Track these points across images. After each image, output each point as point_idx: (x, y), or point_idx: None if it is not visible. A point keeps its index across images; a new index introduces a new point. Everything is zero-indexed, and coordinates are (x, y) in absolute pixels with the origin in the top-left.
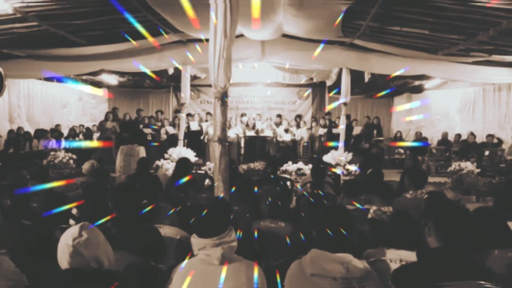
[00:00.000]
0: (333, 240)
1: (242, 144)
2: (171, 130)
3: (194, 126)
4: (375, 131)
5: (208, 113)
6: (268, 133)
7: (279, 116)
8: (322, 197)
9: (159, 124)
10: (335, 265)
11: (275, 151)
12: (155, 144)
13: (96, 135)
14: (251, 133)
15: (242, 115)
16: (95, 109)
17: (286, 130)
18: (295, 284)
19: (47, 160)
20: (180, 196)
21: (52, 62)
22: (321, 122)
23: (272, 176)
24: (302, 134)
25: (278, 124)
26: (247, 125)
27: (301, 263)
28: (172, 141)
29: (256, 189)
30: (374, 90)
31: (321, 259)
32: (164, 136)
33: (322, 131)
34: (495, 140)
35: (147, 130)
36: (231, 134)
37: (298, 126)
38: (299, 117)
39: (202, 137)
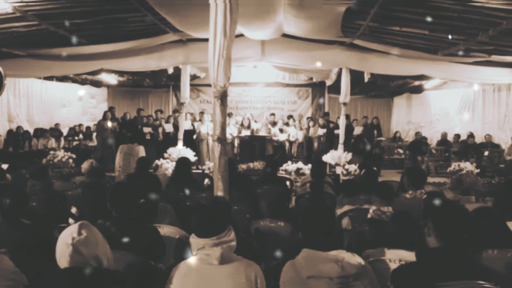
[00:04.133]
0: (320, 238)
1: (236, 144)
2: (168, 128)
3: (187, 126)
4: (375, 131)
5: (201, 113)
6: (263, 133)
7: (272, 114)
8: (321, 196)
9: (158, 123)
10: (330, 265)
11: (273, 151)
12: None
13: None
14: (246, 133)
15: (229, 115)
16: (95, 108)
17: (281, 130)
18: (292, 287)
19: (46, 159)
20: (180, 195)
21: (51, 61)
22: (320, 122)
23: (272, 175)
24: (296, 134)
25: (273, 124)
26: (242, 124)
27: (294, 265)
28: (170, 140)
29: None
30: (374, 90)
31: (315, 259)
32: (161, 136)
33: (321, 131)
34: (494, 140)
35: (147, 129)
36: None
37: (288, 125)
38: (291, 116)
39: (194, 137)
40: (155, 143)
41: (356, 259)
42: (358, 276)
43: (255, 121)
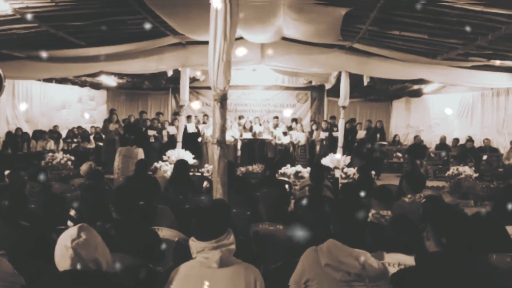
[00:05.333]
0: (351, 235)
1: (239, 147)
2: (172, 130)
3: (191, 128)
4: (378, 135)
5: (205, 115)
6: (265, 136)
7: (276, 117)
8: (320, 200)
9: (160, 126)
10: (352, 260)
11: (273, 154)
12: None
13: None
14: (248, 135)
15: (240, 117)
16: (94, 110)
17: (285, 133)
18: (309, 271)
19: (45, 161)
20: (179, 198)
21: (51, 63)
22: (323, 125)
23: (271, 178)
24: (299, 137)
25: (275, 126)
26: (244, 127)
27: (317, 251)
28: (174, 142)
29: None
30: (373, 93)
31: (338, 251)
32: (166, 139)
33: (323, 134)
34: (493, 144)
35: (151, 132)
36: (227, 136)
37: (290, 128)
38: (295, 120)
39: (199, 140)
40: (159, 146)
41: (378, 263)
42: (375, 279)
43: (260, 124)
